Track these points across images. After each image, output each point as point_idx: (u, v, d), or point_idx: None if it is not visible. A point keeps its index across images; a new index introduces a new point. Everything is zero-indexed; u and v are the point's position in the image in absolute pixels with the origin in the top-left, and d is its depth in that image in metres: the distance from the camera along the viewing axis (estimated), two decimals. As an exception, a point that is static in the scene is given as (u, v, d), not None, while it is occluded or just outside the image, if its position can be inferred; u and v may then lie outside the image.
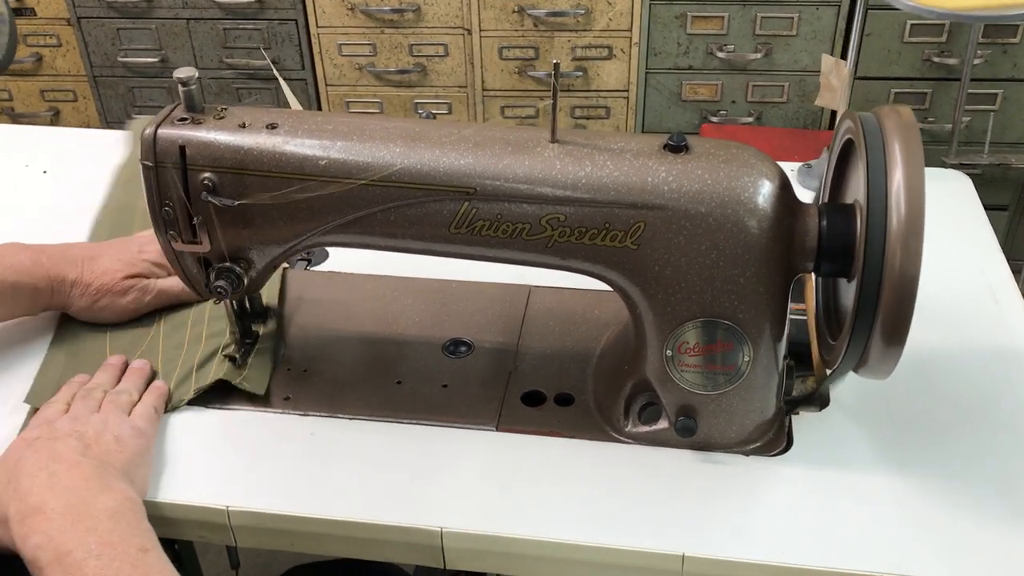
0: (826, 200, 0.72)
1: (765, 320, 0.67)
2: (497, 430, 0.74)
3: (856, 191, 0.67)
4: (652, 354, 0.69)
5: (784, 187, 0.66)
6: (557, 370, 0.79)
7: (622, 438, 0.73)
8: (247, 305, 0.81)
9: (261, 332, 0.82)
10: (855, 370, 0.66)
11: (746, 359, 0.67)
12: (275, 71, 0.82)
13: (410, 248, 0.71)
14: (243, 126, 0.68)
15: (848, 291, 0.67)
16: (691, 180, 0.64)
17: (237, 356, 0.79)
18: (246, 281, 0.73)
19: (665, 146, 0.66)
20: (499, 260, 0.70)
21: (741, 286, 0.65)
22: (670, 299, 0.67)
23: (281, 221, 0.70)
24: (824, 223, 0.65)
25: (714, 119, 2.03)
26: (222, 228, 0.70)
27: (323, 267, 0.93)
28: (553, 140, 0.67)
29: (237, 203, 0.68)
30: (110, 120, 2.24)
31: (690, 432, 0.70)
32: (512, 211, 0.66)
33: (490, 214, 0.67)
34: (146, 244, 0.85)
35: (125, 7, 2.07)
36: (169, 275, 0.84)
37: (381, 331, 0.84)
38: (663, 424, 0.72)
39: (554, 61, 0.65)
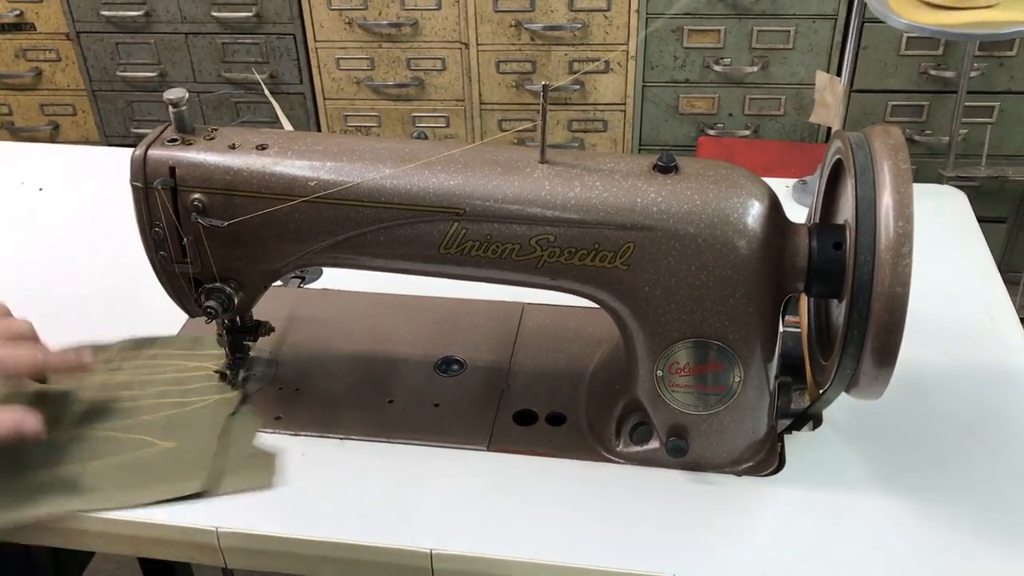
0: (817, 220, 0.72)
1: (756, 340, 0.67)
2: (488, 450, 0.74)
3: (847, 211, 0.67)
4: (643, 374, 0.69)
5: (774, 207, 0.65)
6: (549, 389, 0.79)
7: (613, 458, 0.72)
8: (237, 320, 0.81)
9: (252, 349, 0.81)
10: (846, 391, 0.65)
11: (737, 379, 0.67)
12: (267, 92, 0.81)
13: (401, 268, 0.71)
14: (233, 147, 0.68)
15: (839, 312, 0.67)
16: (680, 201, 0.64)
17: (228, 372, 0.79)
18: (236, 301, 0.73)
19: (654, 167, 0.66)
20: (489, 280, 0.70)
21: (731, 307, 0.65)
22: (660, 319, 0.66)
23: (271, 241, 0.70)
24: (814, 244, 0.65)
25: (711, 132, 2.03)
26: (212, 248, 0.70)
27: (316, 285, 0.93)
28: (543, 161, 0.67)
29: (227, 223, 0.68)
30: (109, 134, 2.25)
31: (681, 452, 0.70)
32: (502, 232, 0.66)
33: (480, 235, 0.67)
34: None
35: (124, 22, 2.08)
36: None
37: (374, 349, 0.84)
38: (654, 444, 0.71)
39: (543, 83, 0.65)
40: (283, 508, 0.69)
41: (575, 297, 0.70)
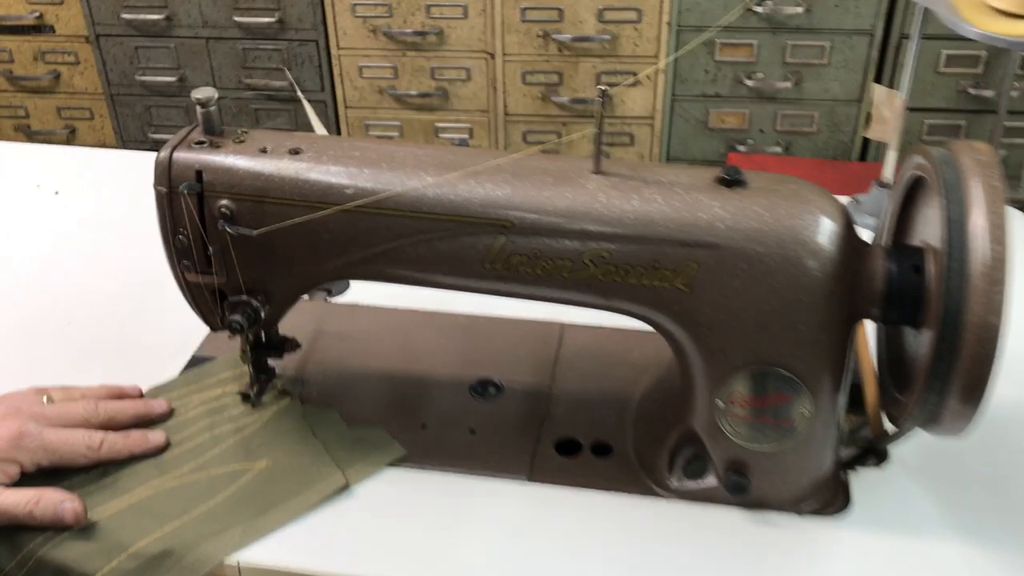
0: (889, 241, 0.66)
1: (825, 370, 0.61)
2: (529, 481, 0.68)
3: (924, 232, 0.62)
4: (700, 404, 0.64)
5: (848, 227, 0.60)
6: (593, 416, 0.74)
7: (665, 493, 0.67)
8: (263, 337, 0.76)
9: (278, 369, 0.77)
10: (923, 426, 0.60)
11: (803, 412, 0.62)
12: (299, 92, 0.77)
13: (440, 283, 0.66)
14: (264, 151, 0.64)
15: (915, 340, 0.62)
16: (748, 217, 0.59)
17: (251, 393, 0.74)
18: (263, 315, 0.68)
19: (718, 179, 0.61)
20: (536, 298, 0.65)
21: (800, 333, 0.60)
22: (722, 345, 0.61)
23: (302, 253, 0.65)
24: (892, 266, 0.60)
25: (741, 148, 1.98)
26: (239, 259, 0.65)
27: (344, 298, 0.88)
28: (597, 171, 0.62)
29: (256, 232, 0.63)
30: (126, 139, 2.21)
31: (741, 490, 0.64)
32: (552, 247, 0.61)
33: (528, 249, 0.62)
34: None
35: (144, 25, 2.05)
36: (10, 480, 0.63)
37: (405, 369, 0.79)
38: (711, 480, 0.66)
39: (601, 87, 0.60)
40: (307, 541, 0.64)
41: (617, 316, 0.65)
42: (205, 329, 0.78)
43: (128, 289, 0.89)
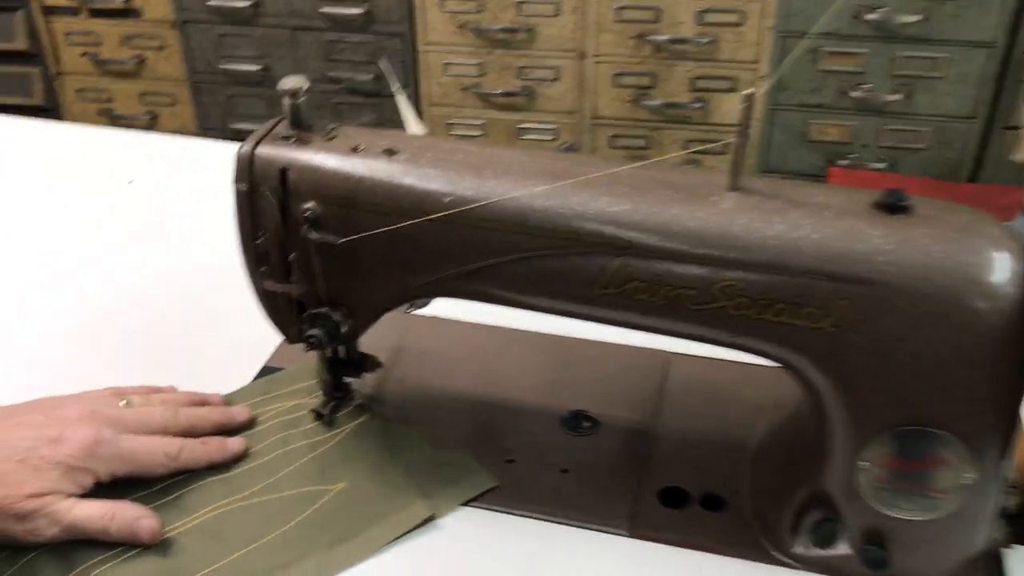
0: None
1: (993, 433, 0.52)
2: (630, 536, 0.60)
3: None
4: (838, 463, 0.55)
5: (1031, 267, 0.51)
6: (703, 462, 0.66)
7: (788, 560, 0.58)
8: (341, 353, 0.70)
9: (355, 386, 0.70)
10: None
11: (963, 480, 0.53)
12: (396, 86, 0.70)
13: (542, 307, 0.58)
14: (356, 149, 0.57)
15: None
16: (914, 251, 0.50)
17: (324, 412, 0.68)
18: (344, 330, 0.61)
19: (877, 204, 0.52)
20: (651, 330, 0.57)
21: (967, 389, 0.51)
22: (872, 398, 0.52)
23: (392, 265, 0.58)
24: (1083, 316, 0.50)
25: (842, 163, 1.87)
26: (322, 268, 0.59)
27: (426, 311, 0.81)
28: (734, 187, 0.54)
29: (341, 241, 0.56)
30: (206, 128, 2.19)
31: (880, 565, 0.55)
32: (676, 273, 0.53)
33: (647, 274, 0.54)
34: (67, 430, 0.57)
35: (231, 13, 2.02)
36: (83, 490, 0.57)
37: (490, 394, 0.72)
38: (843, 549, 0.57)
39: (747, 91, 0.52)
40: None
41: (725, 348, 0.57)
42: (278, 337, 0.71)
43: (198, 290, 0.84)
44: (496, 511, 0.62)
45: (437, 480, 0.63)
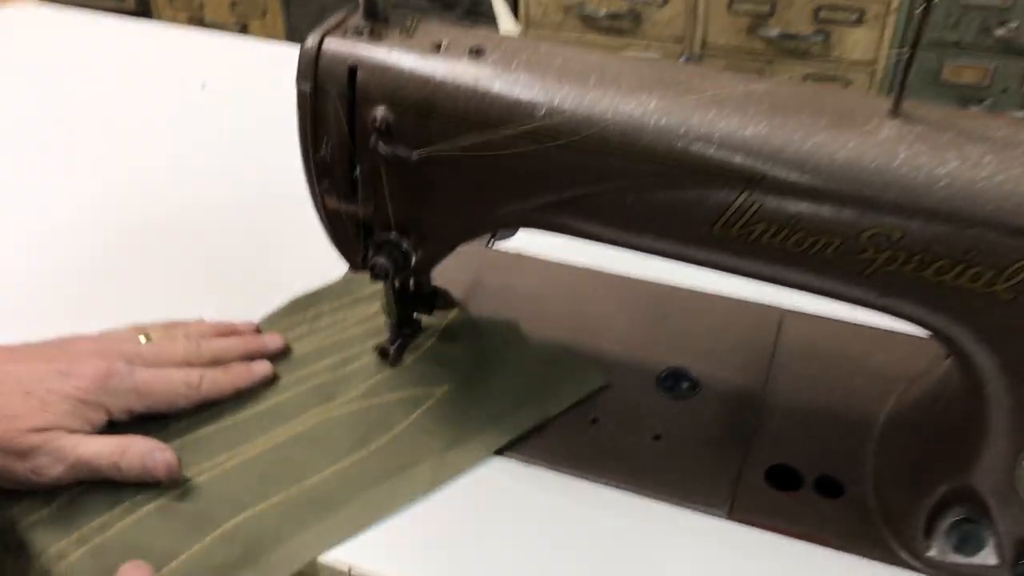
0: None
1: None
2: (729, 518, 0.52)
3: None
4: (995, 459, 0.46)
5: None
6: (819, 439, 0.56)
7: (918, 564, 0.49)
8: (410, 284, 0.62)
9: (424, 322, 0.63)
10: None
11: None
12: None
13: (646, 247, 0.50)
14: (438, 48, 0.48)
15: None
16: None
17: (391, 349, 0.61)
18: (414, 260, 0.54)
19: (1082, 143, 0.42)
20: (775, 281, 0.48)
21: None
22: (1051, 385, 0.42)
23: (471, 188, 0.50)
24: None
25: (976, 109, 1.69)
26: (392, 187, 0.51)
27: (508, 244, 0.73)
28: (895, 114, 0.44)
29: (416, 155, 0.48)
30: (296, 41, 2.13)
31: (1037, 584, 0.46)
32: (815, 215, 0.44)
33: (780, 215, 0.44)
34: (77, 364, 0.52)
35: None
36: (93, 428, 0.52)
37: (577, 343, 0.64)
38: (989, 558, 0.48)
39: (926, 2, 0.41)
40: (433, 551, 0.50)
41: (847, 305, 0.47)
42: (341, 265, 0.64)
43: (260, 210, 0.77)
44: (575, 476, 0.54)
45: (544, 380, 0.59)
